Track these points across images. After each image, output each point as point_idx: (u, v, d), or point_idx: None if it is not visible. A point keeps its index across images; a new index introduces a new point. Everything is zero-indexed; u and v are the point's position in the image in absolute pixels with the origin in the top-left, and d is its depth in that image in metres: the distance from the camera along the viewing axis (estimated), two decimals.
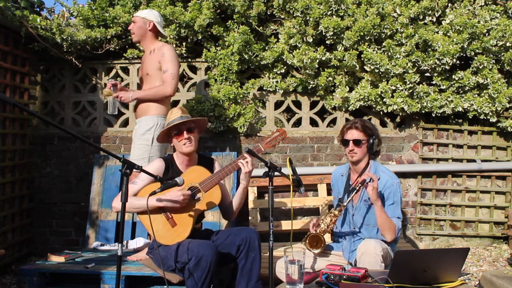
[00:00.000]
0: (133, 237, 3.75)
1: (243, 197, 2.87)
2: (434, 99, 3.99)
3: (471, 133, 4.24)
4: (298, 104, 4.34)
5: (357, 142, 2.70)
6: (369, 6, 3.97)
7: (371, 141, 2.71)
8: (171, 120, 2.85)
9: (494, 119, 4.07)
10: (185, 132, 2.79)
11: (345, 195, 2.79)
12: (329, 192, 3.99)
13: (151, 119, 3.41)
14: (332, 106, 4.25)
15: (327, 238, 2.68)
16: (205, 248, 2.52)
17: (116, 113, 3.55)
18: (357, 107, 4.13)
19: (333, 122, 4.35)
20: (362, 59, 3.98)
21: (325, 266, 2.16)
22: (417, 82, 4.00)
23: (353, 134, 2.72)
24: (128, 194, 2.17)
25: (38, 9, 4.27)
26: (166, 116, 3.42)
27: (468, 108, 4.05)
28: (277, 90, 4.24)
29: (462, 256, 2.06)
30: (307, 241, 2.63)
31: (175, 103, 4.33)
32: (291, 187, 2.60)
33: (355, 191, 2.56)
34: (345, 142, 2.75)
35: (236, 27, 4.11)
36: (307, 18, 4.00)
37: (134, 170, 2.18)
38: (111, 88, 3.44)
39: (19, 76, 3.96)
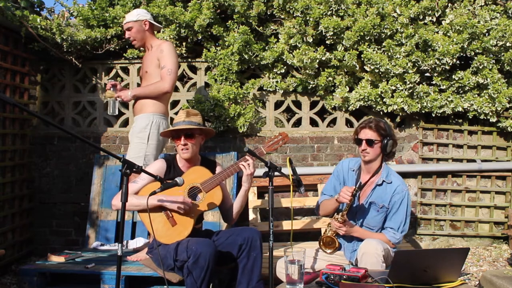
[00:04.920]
0: (133, 237, 3.76)
1: (244, 199, 2.87)
2: (434, 99, 3.99)
3: (471, 133, 4.24)
4: (298, 104, 4.34)
5: (369, 142, 2.67)
6: (369, 6, 3.97)
7: (385, 141, 2.67)
8: (174, 123, 2.86)
9: (494, 119, 4.07)
10: (182, 138, 2.78)
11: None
12: None
13: (146, 117, 3.41)
14: (332, 106, 4.25)
15: None
16: (203, 246, 2.52)
17: (117, 113, 3.55)
18: (357, 107, 4.13)
19: (333, 122, 4.35)
20: (362, 59, 3.97)
21: (325, 266, 2.16)
22: (417, 82, 4.00)
23: (367, 133, 2.68)
24: (128, 194, 2.17)
25: (38, 9, 4.25)
26: (163, 114, 3.44)
27: (468, 108, 4.05)
28: (277, 90, 4.24)
29: (462, 256, 2.06)
30: (321, 243, 2.66)
31: (175, 103, 4.33)
32: (291, 187, 2.60)
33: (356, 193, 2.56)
34: (358, 141, 2.72)
35: (236, 27, 4.10)
36: (307, 18, 4.00)
37: (134, 170, 2.18)
38: (111, 88, 3.45)
39: (19, 76, 3.96)
